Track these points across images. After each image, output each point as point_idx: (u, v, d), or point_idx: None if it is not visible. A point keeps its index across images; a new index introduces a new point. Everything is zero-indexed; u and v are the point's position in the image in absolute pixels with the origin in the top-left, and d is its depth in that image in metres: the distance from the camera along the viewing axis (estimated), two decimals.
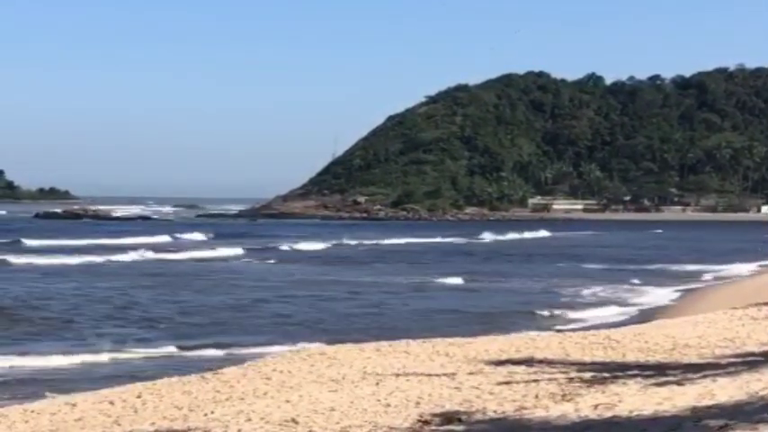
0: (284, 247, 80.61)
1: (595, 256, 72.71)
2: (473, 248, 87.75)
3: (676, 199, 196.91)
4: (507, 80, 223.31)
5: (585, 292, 45.44)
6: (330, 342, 25.55)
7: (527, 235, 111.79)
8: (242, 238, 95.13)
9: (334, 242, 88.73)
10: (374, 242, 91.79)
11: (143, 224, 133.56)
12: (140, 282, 48.18)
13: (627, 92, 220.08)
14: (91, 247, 75.54)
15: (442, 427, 12.42)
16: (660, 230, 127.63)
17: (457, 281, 50.67)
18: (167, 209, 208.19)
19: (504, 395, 14.64)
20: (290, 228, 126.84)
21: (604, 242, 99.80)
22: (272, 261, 66.82)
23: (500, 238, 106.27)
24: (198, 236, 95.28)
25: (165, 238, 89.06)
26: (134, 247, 72.15)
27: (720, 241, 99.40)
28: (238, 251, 73.96)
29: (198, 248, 77.36)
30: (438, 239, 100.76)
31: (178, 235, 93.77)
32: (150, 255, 68.04)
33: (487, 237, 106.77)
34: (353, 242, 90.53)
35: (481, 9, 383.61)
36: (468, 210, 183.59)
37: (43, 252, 68.84)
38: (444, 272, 55.86)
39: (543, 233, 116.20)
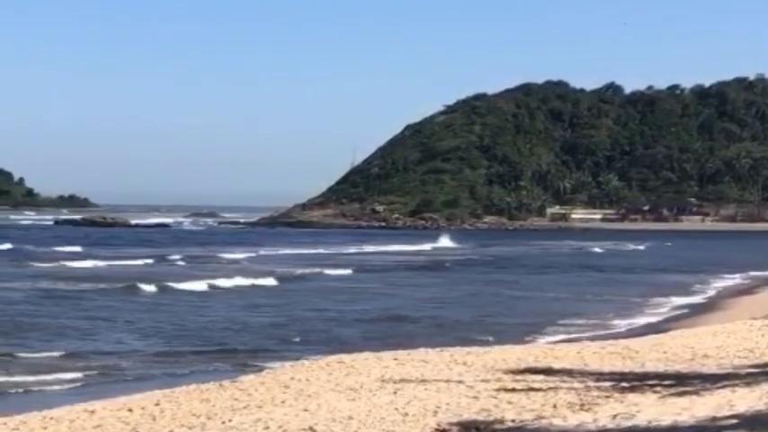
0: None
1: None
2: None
3: (695, 209, 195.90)
4: (526, 89, 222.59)
5: None
6: None
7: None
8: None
9: (521, 246, 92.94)
10: (543, 243, 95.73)
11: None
12: None
13: (646, 101, 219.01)
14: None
15: None
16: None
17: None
18: (184, 217, 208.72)
19: (522, 404, 14.61)
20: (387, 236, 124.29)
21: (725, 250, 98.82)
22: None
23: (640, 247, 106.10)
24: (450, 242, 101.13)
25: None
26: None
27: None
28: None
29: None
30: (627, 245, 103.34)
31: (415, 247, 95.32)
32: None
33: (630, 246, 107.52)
34: (521, 247, 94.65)
35: (499, 18, 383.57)
36: (487, 219, 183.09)
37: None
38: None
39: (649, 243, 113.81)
